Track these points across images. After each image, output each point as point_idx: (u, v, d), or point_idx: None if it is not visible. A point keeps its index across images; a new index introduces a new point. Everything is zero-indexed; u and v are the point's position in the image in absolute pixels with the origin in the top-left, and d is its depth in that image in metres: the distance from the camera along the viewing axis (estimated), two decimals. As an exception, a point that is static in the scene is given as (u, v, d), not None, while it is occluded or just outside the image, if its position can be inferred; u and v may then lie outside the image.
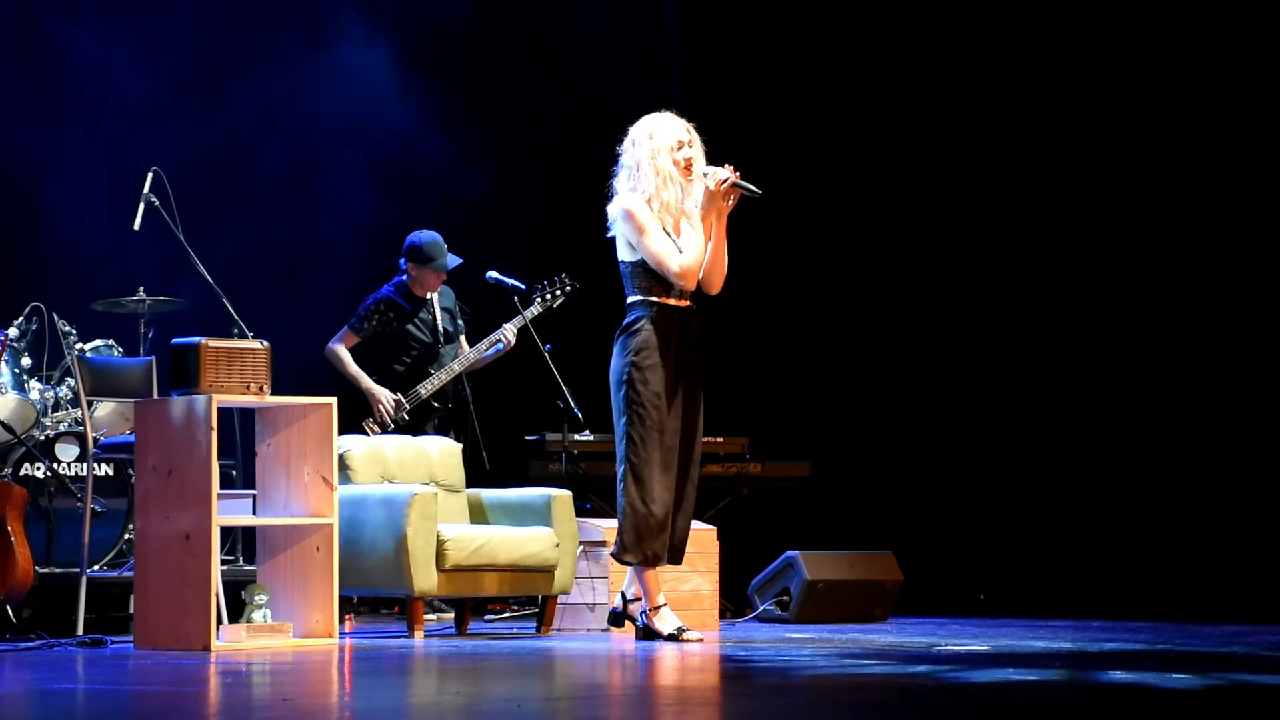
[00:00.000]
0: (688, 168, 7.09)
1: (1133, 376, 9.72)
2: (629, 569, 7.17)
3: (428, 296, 8.93)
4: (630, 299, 7.14)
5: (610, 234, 7.16)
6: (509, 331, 8.81)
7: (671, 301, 7.10)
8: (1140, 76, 9.65)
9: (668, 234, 7.09)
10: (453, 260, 8.87)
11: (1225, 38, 9.41)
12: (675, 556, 7.16)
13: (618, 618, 7.23)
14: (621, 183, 7.15)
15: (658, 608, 7.13)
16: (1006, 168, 9.95)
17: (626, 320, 7.13)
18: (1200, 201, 9.56)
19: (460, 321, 9.03)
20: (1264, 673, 5.77)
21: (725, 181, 7.02)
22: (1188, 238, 9.59)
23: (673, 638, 7.05)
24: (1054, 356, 9.86)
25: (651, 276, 7.08)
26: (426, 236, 8.87)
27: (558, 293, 8.83)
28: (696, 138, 7.16)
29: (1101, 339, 9.78)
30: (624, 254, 7.14)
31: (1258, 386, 9.44)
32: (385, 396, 8.82)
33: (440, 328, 8.94)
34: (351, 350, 8.90)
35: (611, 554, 7.24)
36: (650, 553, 7.05)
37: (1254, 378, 9.45)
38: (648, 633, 7.14)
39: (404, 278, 8.91)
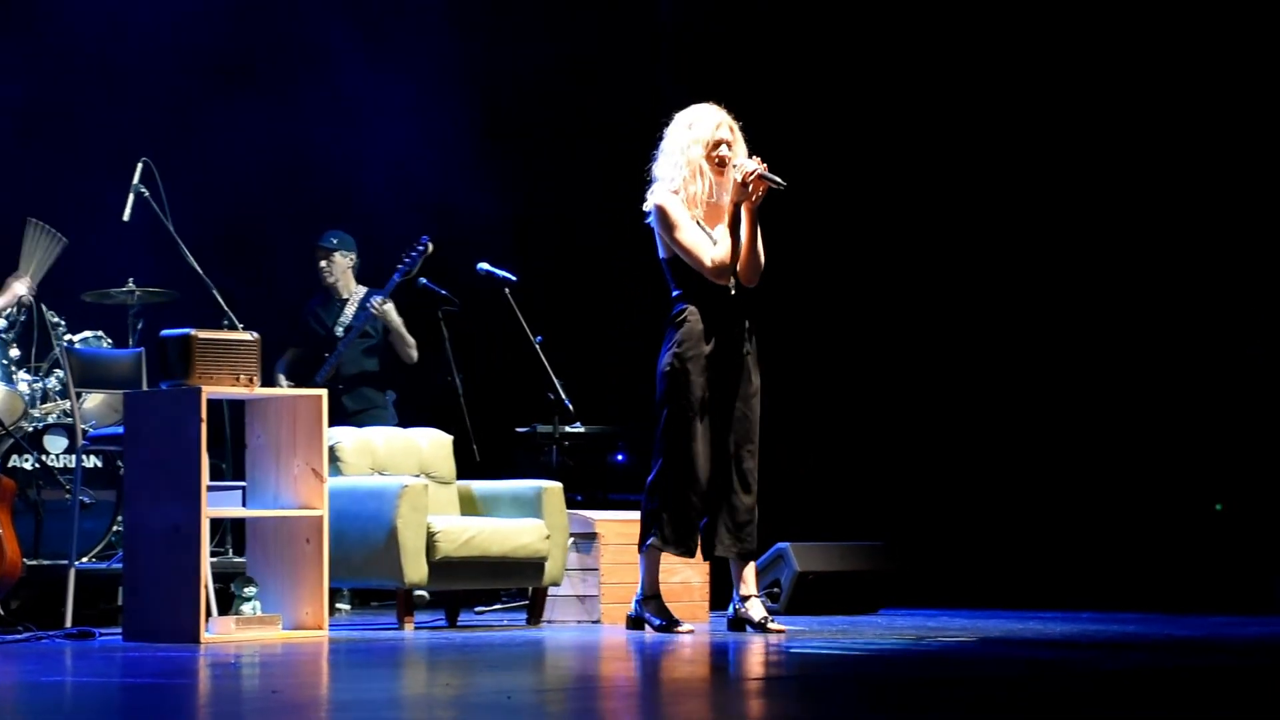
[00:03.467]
0: (722, 164, 7.06)
1: (1119, 371, 9.71)
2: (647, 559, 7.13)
3: (344, 295, 9.26)
4: (674, 292, 7.13)
5: (648, 220, 7.16)
6: (376, 298, 9.05)
7: (713, 291, 7.07)
8: (1136, 77, 9.64)
9: (700, 226, 7.08)
10: (325, 242, 9.23)
11: (1225, 38, 9.37)
12: (742, 550, 7.04)
13: (739, 622, 7.12)
14: (658, 168, 7.14)
15: (652, 598, 7.12)
16: (991, 158, 9.93)
17: (672, 313, 7.12)
18: (1184, 201, 9.56)
19: (387, 321, 9.08)
20: (1248, 659, 5.79)
21: (752, 173, 7.00)
22: (1167, 233, 9.59)
23: (664, 628, 7.04)
24: (1042, 352, 9.85)
25: (691, 268, 7.06)
26: (329, 230, 9.32)
27: (414, 254, 8.97)
28: (738, 134, 7.11)
29: (1088, 334, 9.77)
30: (662, 249, 7.13)
31: (1241, 378, 9.45)
32: (283, 386, 9.08)
33: (344, 322, 9.22)
34: (302, 357, 9.30)
35: (652, 544, 7.10)
36: (692, 545, 7.04)
37: (1235, 372, 9.46)
38: (637, 622, 7.13)
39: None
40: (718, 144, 7.06)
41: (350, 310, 9.23)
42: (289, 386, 9.09)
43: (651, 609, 7.11)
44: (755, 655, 6.26)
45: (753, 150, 7.11)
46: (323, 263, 9.23)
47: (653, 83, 9.67)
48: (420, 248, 8.96)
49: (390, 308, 9.08)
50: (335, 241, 9.24)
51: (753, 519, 7.09)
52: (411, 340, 9.15)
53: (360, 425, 8.60)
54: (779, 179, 6.99)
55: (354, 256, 9.28)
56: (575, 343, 9.61)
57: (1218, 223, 9.49)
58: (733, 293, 7.09)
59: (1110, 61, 9.68)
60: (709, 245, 7.04)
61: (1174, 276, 9.59)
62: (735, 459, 7.05)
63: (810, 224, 10.22)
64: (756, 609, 7.10)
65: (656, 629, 7.06)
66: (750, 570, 7.16)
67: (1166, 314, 9.60)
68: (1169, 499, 9.50)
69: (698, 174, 7.05)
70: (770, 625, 7.05)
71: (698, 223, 7.07)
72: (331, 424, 8.59)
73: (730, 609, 7.17)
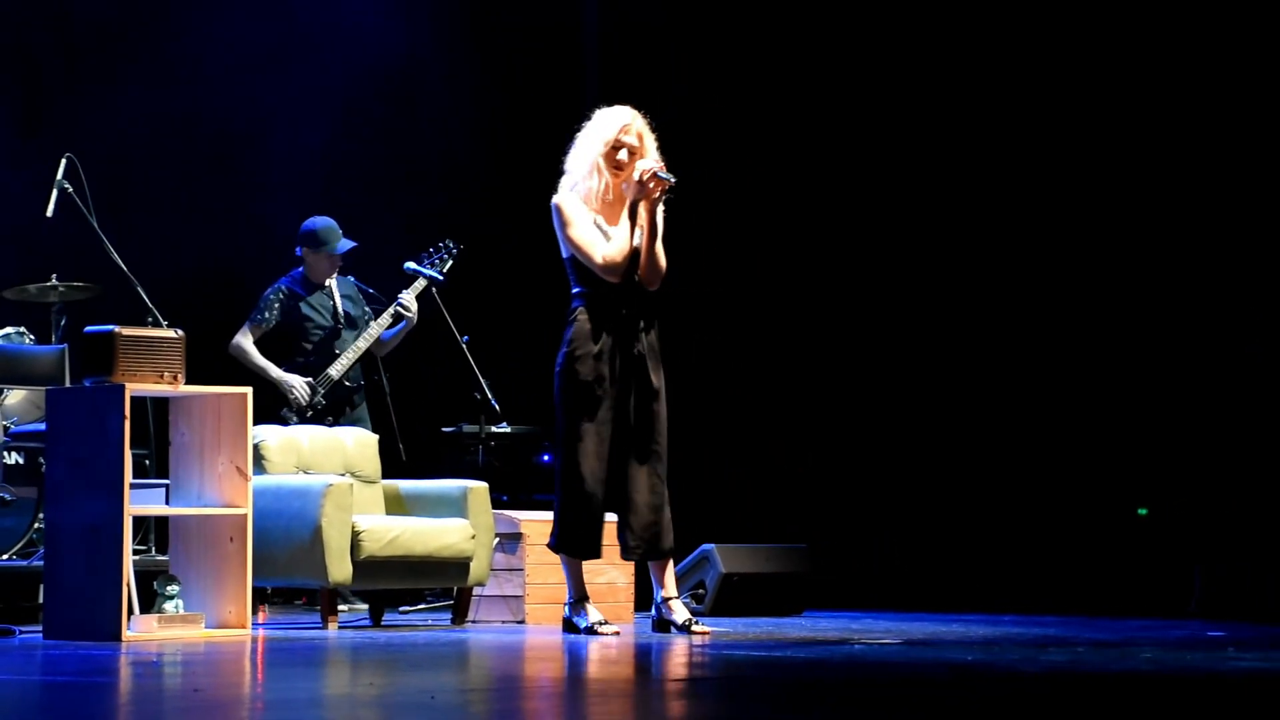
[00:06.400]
0: (618, 166, 7.08)
1: (1042, 374, 9.77)
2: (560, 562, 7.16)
3: (326, 284, 8.98)
4: (573, 290, 7.15)
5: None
6: (407, 299, 8.83)
7: (608, 290, 7.09)
8: (1104, 68, 9.67)
9: (599, 227, 7.10)
10: (346, 244, 8.92)
11: (1224, 38, 9.38)
12: (650, 550, 7.06)
13: (663, 624, 7.14)
14: (567, 161, 7.19)
15: (579, 601, 7.13)
16: (933, 159, 9.95)
17: (568, 311, 7.14)
18: (1121, 205, 9.63)
19: (368, 308, 9.02)
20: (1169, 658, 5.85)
21: (648, 171, 7.03)
22: (1096, 237, 9.65)
23: (590, 630, 7.06)
24: (962, 355, 9.89)
25: (586, 267, 7.08)
26: (320, 222, 8.96)
27: (445, 257, 8.87)
28: (648, 140, 7.12)
29: (1008, 339, 9.79)
30: (564, 247, 7.15)
31: (1169, 383, 9.53)
32: (297, 382, 8.84)
33: (340, 312, 8.96)
34: (256, 344, 8.95)
35: (548, 545, 7.23)
36: (580, 544, 7.06)
37: (1159, 377, 9.54)
38: (569, 625, 7.15)
39: (301, 268, 8.99)
40: (618, 146, 7.09)
41: (339, 300, 8.93)
42: (292, 372, 8.86)
43: (577, 611, 7.13)
44: (679, 656, 6.27)
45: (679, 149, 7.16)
46: (337, 267, 8.91)
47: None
48: (451, 250, 8.81)
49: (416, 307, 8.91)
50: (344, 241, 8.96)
51: (661, 519, 7.09)
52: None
53: (357, 421, 8.68)
54: (670, 176, 7.03)
55: None
56: (502, 342, 9.61)
57: (1153, 229, 9.54)
58: (633, 290, 7.10)
59: (1075, 52, 9.65)
60: (601, 243, 7.07)
61: (1088, 280, 9.65)
62: (639, 459, 7.07)
63: (737, 226, 10.25)
64: (680, 611, 7.13)
65: (583, 630, 7.08)
66: (670, 572, 7.18)
67: (1088, 318, 9.66)
68: (1092, 503, 9.58)
69: (595, 172, 7.09)
70: (695, 627, 7.07)
71: (596, 222, 7.09)
72: (338, 418, 8.58)
73: (654, 610, 7.19)
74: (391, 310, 8.87)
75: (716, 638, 6.97)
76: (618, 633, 7.10)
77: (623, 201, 7.11)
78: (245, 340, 8.90)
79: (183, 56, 9.93)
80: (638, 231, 7.06)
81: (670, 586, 7.16)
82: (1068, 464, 9.63)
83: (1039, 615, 8.43)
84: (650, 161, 7.06)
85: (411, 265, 8.94)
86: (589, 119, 7.18)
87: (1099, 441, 9.59)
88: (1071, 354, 9.69)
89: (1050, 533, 9.60)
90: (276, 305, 8.90)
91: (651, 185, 7.04)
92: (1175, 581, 9.03)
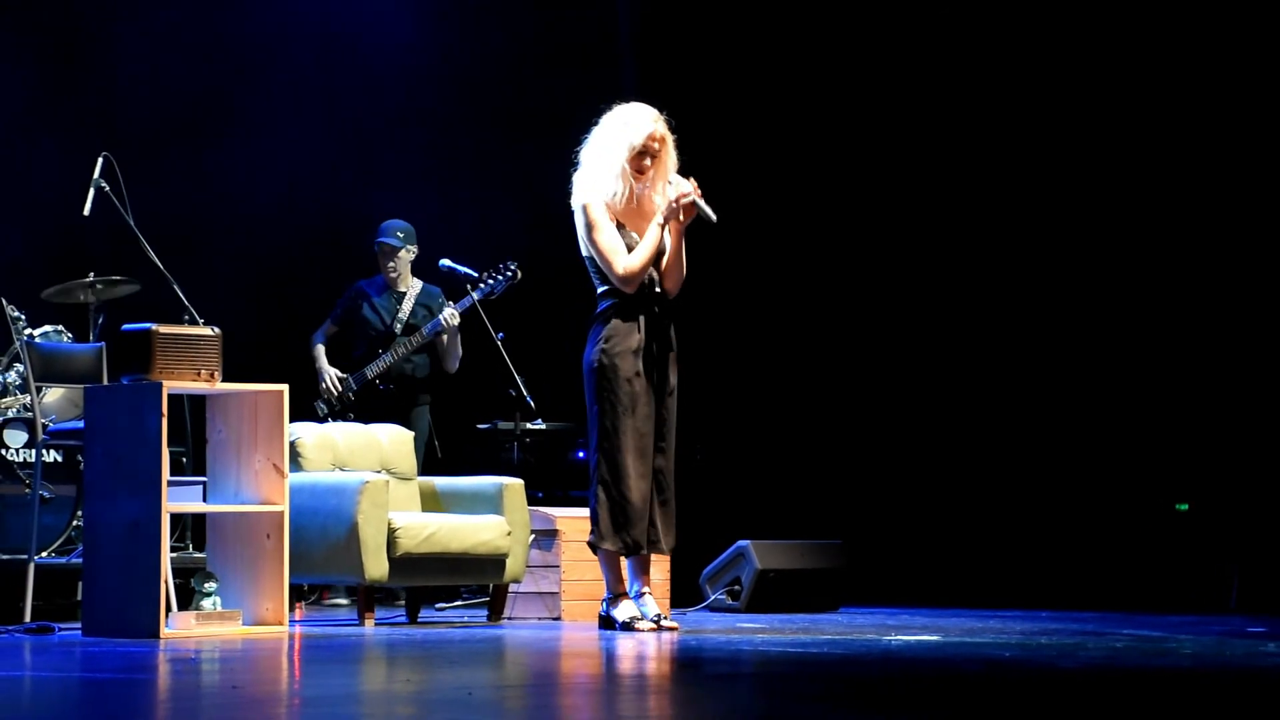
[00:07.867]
0: (641, 171, 7.09)
1: (1081, 369, 9.75)
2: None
3: (402, 289, 9.10)
4: (599, 289, 7.16)
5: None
6: (449, 313, 8.90)
7: (638, 289, 7.10)
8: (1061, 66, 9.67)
9: (621, 228, 7.11)
10: (383, 240, 9.02)
11: (1224, 38, 9.36)
12: (655, 545, 7.13)
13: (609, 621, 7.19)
14: (584, 153, 7.18)
15: (617, 597, 7.14)
16: (952, 157, 9.94)
17: (597, 310, 7.16)
18: (1129, 201, 9.60)
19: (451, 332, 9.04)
20: (1208, 663, 5.83)
21: (685, 196, 7.06)
22: (1120, 231, 9.62)
23: (627, 626, 7.06)
24: (1000, 350, 9.88)
25: None
26: (389, 222, 9.09)
27: (500, 278, 8.88)
28: (669, 145, 7.12)
29: (1047, 334, 9.78)
30: (583, 246, 7.16)
31: (1200, 378, 9.50)
32: (329, 374, 8.93)
33: (403, 319, 9.02)
34: (332, 338, 9.20)
35: (588, 542, 7.22)
36: (630, 540, 7.07)
37: (1194, 371, 9.51)
38: (606, 621, 7.16)
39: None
40: (644, 152, 7.09)
41: (408, 306, 9.09)
42: (329, 366, 9.03)
43: (615, 607, 7.13)
44: (716, 652, 6.27)
45: (697, 155, 7.14)
46: (390, 262, 9.07)
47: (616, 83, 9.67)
48: (509, 274, 8.85)
49: (458, 321, 8.97)
50: (401, 237, 9.03)
51: (670, 515, 7.15)
52: (460, 352, 9.06)
53: (408, 423, 8.67)
54: (710, 211, 7.04)
55: (415, 249, 9.11)
56: (536, 339, 9.61)
57: (1171, 223, 9.52)
58: (658, 290, 7.13)
59: (1077, 52, 9.65)
60: (623, 253, 7.09)
61: (1129, 273, 9.62)
62: (655, 455, 7.10)
63: (766, 224, 10.23)
64: (651, 606, 7.14)
65: (620, 626, 7.09)
66: (650, 565, 7.20)
67: (1124, 313, 9.63)
68: (1131, 498, 9.54)
69: (621, 177, 7.09)
70: (664, 623, 7.08)
71: (618, 223, 7.10)
72: (377, 420, 8.60)
73: (604, 606, 7.18)
74: (432, 325, 8.92)
75: (752, 633, 6.96)
76: (655, 628, 7.10)
77: (643, 205, 7.12)
78: (317, 334, 9.18)
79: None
80: (661, 241, 7.08)
81: (647, 581, 7.17)
82: (1107, 459, 9.60)
83: (1076, 611, 8.40)
84: (687, 185, 7.07)
85: (446, 263, 8.96)
86: (608, 108, 7.17)
87: (1138, 437, 9.55)
88: (1111, 349, 9.66)
89: (1088, 528, 9.57)
90: (344, 304, 9.17)
91: (684, 212, 7.06)
92: (1214, 577, 8.99)
